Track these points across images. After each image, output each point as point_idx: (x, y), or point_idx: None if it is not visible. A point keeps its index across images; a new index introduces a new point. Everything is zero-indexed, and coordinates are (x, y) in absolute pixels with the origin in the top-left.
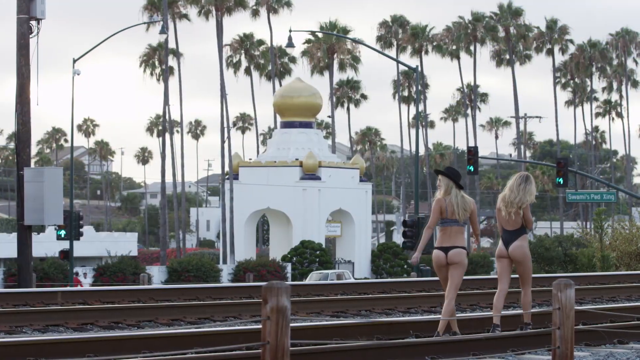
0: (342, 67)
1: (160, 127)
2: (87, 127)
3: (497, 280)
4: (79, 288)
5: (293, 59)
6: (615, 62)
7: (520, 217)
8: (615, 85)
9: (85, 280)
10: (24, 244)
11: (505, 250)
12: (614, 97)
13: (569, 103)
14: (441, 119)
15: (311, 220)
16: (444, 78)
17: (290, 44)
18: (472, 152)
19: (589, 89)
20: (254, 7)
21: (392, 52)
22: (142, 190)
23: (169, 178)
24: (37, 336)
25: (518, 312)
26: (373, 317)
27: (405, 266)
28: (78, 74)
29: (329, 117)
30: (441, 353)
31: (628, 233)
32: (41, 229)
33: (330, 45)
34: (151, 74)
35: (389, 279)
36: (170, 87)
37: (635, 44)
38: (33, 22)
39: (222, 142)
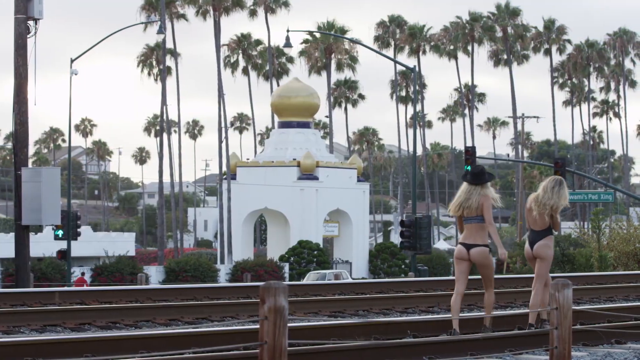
0: (339, 67)
1: (157, 127)
2: (85, 127)
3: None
4: (76, 288)
5: (291, 59)
6: (612, 62)
7: (549, 219)
8: (612, 85)
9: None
10: (22, 244)
11: (531, 250)
12: (612, 97)
13: (566, 103)
14: (439, 119)
15: (309, 220)
16: (441, 78)
17: (287, 44)
18: (470, 152)
19: (586, 89)
20: (252, 7)
21: (390, 52)
22: (140, 190)
23: (166, 178)
24: (35, 336)
25: (515, 313)
26: (370, 317)
27: (403, 266)
28: (76, 74)
29: (326, 117)
30: (439, 353)
31: (625, 233)
32: (39, 228)
33: (328, 45)
34: (149, 74)
35: (387, 279)
36: (168, 87)
37: (633, 44)
38: (31, 22)
39: (220, 142)
